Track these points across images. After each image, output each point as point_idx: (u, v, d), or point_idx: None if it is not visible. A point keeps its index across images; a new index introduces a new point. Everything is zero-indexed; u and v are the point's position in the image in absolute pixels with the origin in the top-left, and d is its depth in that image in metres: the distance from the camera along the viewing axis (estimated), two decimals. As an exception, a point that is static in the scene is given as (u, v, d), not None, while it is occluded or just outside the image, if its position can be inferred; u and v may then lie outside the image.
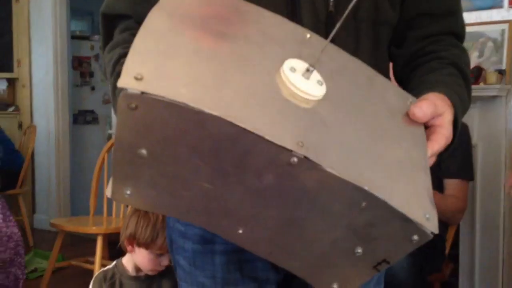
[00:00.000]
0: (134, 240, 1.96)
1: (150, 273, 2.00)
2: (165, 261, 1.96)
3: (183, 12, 0.74)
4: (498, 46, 3.00)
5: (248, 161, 0.66)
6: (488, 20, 3.03)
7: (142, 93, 0.62)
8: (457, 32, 1.04)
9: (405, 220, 0.68)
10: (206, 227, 0.74)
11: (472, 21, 3.02)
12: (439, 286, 2.70)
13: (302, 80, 0.70)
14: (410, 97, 0.82)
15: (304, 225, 0.71)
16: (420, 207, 0.70)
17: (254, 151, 0.65)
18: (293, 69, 0.71)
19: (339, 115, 0.73)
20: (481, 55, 3.04)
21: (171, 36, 0.70)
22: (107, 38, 1.04)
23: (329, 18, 0.94)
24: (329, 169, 0.66)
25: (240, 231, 0.72)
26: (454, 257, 3.06)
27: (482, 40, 3.04)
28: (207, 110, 0.63)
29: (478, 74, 2.94)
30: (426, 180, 0.74)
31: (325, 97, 0.71)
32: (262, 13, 0.80)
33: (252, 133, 0.64)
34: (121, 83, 0.62)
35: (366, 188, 0.67)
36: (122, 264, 2.03)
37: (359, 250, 0.72)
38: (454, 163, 2.48)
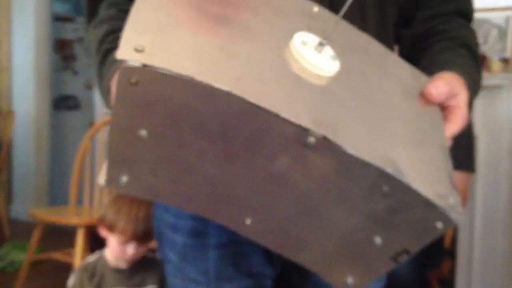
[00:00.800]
0: (103, 223, 2.00)
1: (121, 264, 2.00)
2: (130, 250, 1.95)
3: None
4: (502, 34, 2.98)
5: (260, 142, 0.62)
6: (493, 6, 3.00)
7: (144, 66, 0.57)
8: (466, 12, 1.03)
9: (429, 205, 0.65)
10: (211, 217, 0.69)
11: (476, 7, 2.99)
12: (436, 283, 2.68)
13: (315, 54, 0.67)
14: (422, 76, 0.81)
15: (320, 213, 0.67)
16: (444, 192, 0.67)
17: (267, 131, 0.61)
18: (304, 43, 0.67)
19: (354, 93, 0.70)
20: (485, 42, 3.02)
21: (171, 7, 0.66)
22: (92, 14, 1.00)
23: None
24: (349, 150, 0.62)
25: (249, 221, 0.68)
26: (452, 253, 3.05)
27: (486, 27, 3.01)
28: (216, 84, 0.58)
29: (481, 62, 2.91)
30: (447, 163, 0.72)
31: (338, 73, 0.68)
32: None
33: (266, 110, 0.60)
34: (120, 54, 0.57)
35: (389, 171, 0.63)
36: (105, 256, 2.03)
37: (378, 239, 0.68)
38: (458, 154, 2.44)
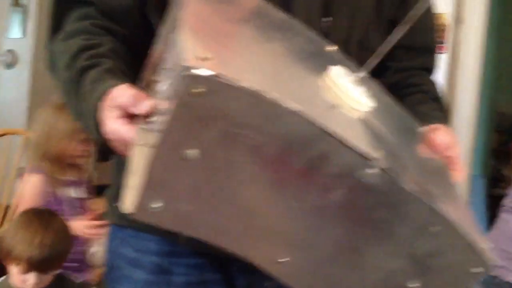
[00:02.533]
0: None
1: None
2: (31, 280, 1.69)
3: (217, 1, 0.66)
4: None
5: (316, 171, 0.55)
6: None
7: (213, 75, 0.49)
8: (432, 69, 1.05)
9: (471, 249, 0.61)
10: (241, 253, 0.60)
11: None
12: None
13: (353, 88, 0.61)
14: (417, 125, 0.78)
15: (361, 253, 0.60)
16: (479, 237, 0.63)
17: (327, 159, 0.54)
18: (340, 76, 0.62)
19: (388, 131, 0.65)
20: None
21: (217, 23, 0.61)
22: (57, 24, 0.88)
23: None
24: (408, 186, 0.56)
25: (282, 260, 0.60)
26: None
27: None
28: (286, 103, 0.51)
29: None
30: (468, 209, 0.70)
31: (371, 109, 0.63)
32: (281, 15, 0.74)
33: (332, 136, 0.53)
34: (187, 61, 0.49)
35: (442, 210, 0.58)
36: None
37: (416, 284, 0.62)
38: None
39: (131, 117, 0.68)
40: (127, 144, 0.66)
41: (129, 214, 0.55)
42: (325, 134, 0.53)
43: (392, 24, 0.98)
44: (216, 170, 0.54)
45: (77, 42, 0.81)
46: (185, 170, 0.53)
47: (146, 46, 0.90)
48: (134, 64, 0.84)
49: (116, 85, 0.71)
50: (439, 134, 0.77)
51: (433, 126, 0.80)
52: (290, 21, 0.73)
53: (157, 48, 0.73)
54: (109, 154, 0.78)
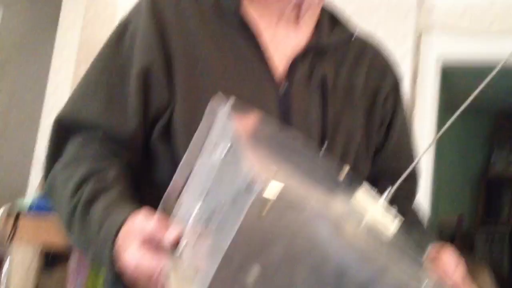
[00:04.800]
0: None
1: None
2: None
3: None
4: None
5: None
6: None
7: (286, 189, 0.48)
8: (415, 195, 1.08)
9: None
10: None
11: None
12: None
13: (381, 210, 0.60)
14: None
15: None
16: None
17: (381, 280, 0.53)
18: (369, 198, 0.62)
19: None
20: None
21: (261, 147, 0.61)
22: (57, 149, 0.86)
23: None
24: None
25: None
26: None
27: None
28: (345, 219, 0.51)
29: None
30: None
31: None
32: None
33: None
34: (260, 178, 0.47)
35: None
36: None
37: None
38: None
39: (155, 246, 0.64)
40: (152, 273, 0.62)
41: None
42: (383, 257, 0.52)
43: (377, 153, 1.00)
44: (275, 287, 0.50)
45: (84, 167, 0.79)
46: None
47: (148, 171, 0.87)
48: (137, 188, 0.82)
49: (133, 211, 0.68)
50: (446, 257, 0.77)
51: (437, 247, 0.80)
52: (301, 144, 0.74)
53: (180, 175, 0.71)
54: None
